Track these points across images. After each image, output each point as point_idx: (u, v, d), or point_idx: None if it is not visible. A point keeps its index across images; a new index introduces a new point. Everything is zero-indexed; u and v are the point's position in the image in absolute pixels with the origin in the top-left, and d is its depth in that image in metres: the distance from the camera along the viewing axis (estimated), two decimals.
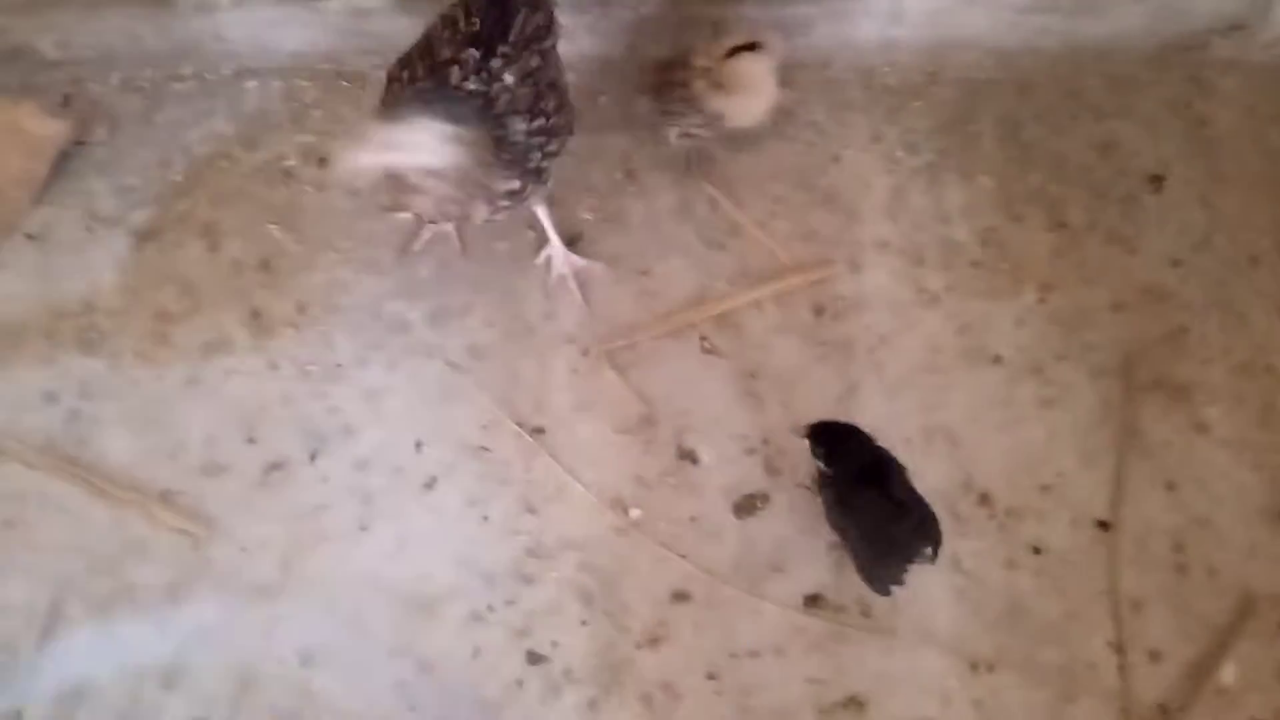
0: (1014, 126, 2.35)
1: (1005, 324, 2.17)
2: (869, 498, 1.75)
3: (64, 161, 2.18)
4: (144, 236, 2.16)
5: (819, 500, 1.89)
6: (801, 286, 2.17)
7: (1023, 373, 2.13)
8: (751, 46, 2.04)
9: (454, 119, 1.60)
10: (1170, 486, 2.06)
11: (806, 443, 1.86)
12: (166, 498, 1.95)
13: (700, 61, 2.04)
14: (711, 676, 1.89)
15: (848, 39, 2.35)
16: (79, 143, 2.14)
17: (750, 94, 2.08)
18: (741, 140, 2.29)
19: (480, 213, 1.79)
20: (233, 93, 2.28)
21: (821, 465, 1.82)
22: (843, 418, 1.97)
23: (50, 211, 2.17)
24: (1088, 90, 2.36)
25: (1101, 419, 2.08)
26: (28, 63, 2.25)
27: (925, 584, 1.94)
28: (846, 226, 2.23)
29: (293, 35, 2.24)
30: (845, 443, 1.83)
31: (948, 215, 2.26)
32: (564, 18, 1.99)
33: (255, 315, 2.10)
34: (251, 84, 2.29)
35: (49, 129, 2.13)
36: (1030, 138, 2.33)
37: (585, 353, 2.11)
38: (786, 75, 2.18)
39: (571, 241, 2.18)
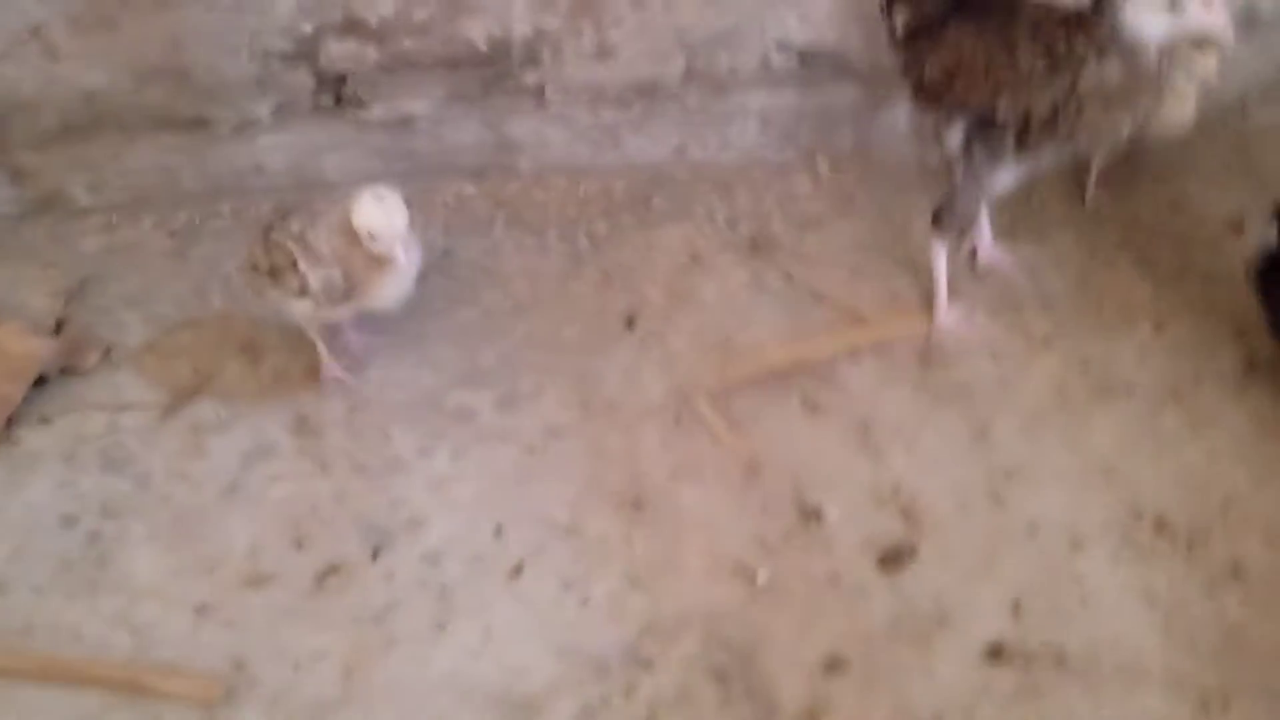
0: (1077, 191, 2.27)
1: (1127, 358, 1.99)
2: None
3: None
4: (174, 355, 1.95)
5: None
6: (902, 333, 1.98)
7: (1162, 400, 1.92)
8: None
9: None
10: None
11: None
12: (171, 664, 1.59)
13: None
14: None
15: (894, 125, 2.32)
16: (65, 370, 1.92)
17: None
18: (806, 223, 2.19)
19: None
20: (271, 220, 2.16)
21: None
22: (978, 459, 1.80)
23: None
24: (1142, 156, 2.29)
25: (1259, 436, 1.85)
26: (59, 211, 2.14)
27: (1122, 621, 1.62)
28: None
29: (333, 161, 2.17)
30: None
31: (1035, 269, 2.12)
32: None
33: (301, 420, 1.86)
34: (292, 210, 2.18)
35: (32, 349, 1.90)
36: (1096, 201, 2.24)
37: (677, 420, 1.88)
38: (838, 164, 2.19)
39: (630, 322, 1.99)
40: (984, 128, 1.82)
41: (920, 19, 1.92)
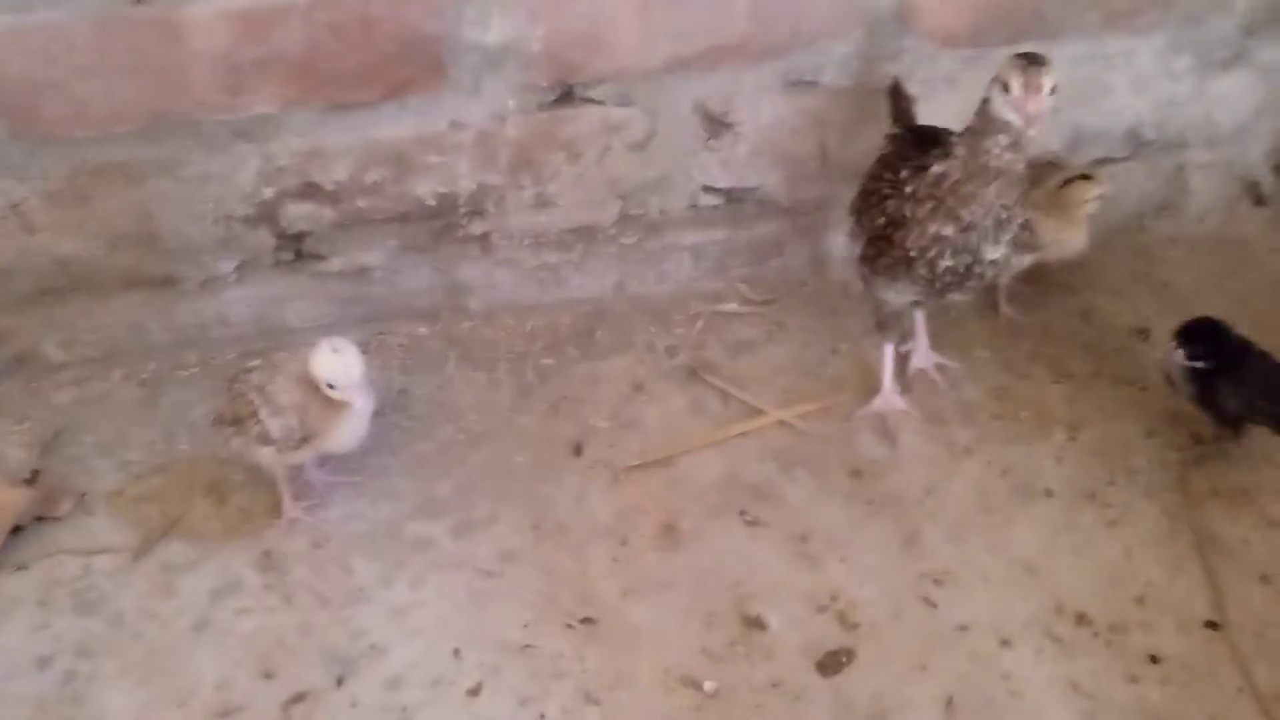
0: (991, 308, 2.44)
1: (1045, 462, 2.13)
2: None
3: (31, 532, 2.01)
4: (144, 499, 2.05)
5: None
6: (816, 412, 2.18)
7: (1079, 500, 2.06)
8: (1085, 177, 2.21)
9: None
10: (1265, 580, 1.93)
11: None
12: None
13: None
14: None
15: (825, 255, 2.52)
16: (41, 517, 2.01)
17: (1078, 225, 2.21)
18: (737, 346, 2.35)
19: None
20: (236, 373, 2.28)
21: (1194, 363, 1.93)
22: (910, 565, 1.94)
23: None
24: (1051, 273, 2.48)
25: (1170, 531, 1.99)
26: (33, 368, 2.25)
27: (1049, 712, 1.73)
28: (859, 403, 2.23)
29: (294, 309, 2.31)
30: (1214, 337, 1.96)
31: (955, 382, 2.28)
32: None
33: (266, 556, 1.96)
34: (255, 363, 2.30)
35: (7, 499, 1.99)
36: (1009, 315, 2.43)
37: (624, 542, 1.99)
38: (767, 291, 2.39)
39: (578, 449, 2.12)
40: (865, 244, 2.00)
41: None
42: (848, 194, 2.18)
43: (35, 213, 2.05)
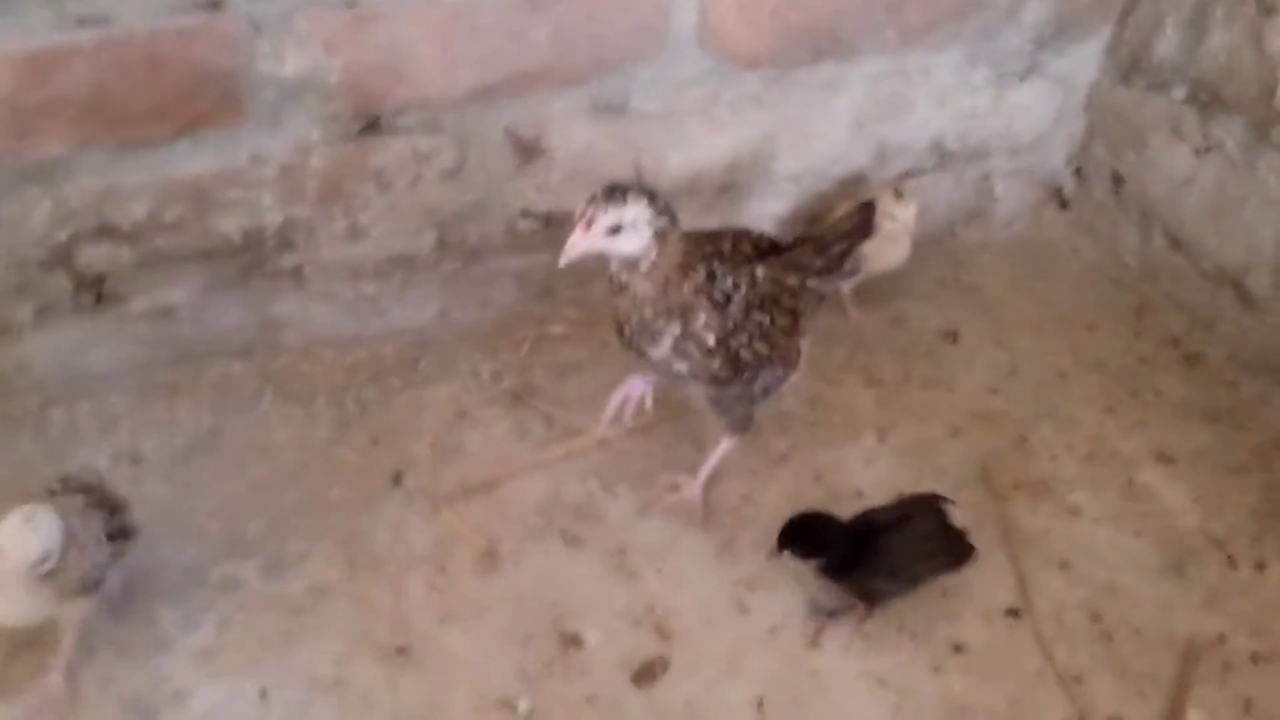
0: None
1: (855, 465, 2.19)
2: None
3: None
4: None
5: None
6: (640, 430, 2.20)
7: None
8: (900, 194, 2.27)
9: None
10: (1064, 566, 2.02)
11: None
12: None
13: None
14: None
15: None
16: None
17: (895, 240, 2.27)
18: (563, 369, 2.37)
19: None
20: (39, 420, 2.21)
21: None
22: (725, 572, 1.98)
23: None
24: (866, 284, 2.55)
25: (976, 523, 2.04)
26: None
27: (856, 706, 1.77)
28: (682, 420, 2.28)
29: (97, 354, 2.25)
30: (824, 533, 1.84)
31: None
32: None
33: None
34: (57, 411, 2.23)
35: None
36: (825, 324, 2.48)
37: (441, 570, 1.98)
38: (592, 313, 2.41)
39: (398, 478, 2.11)
40: None
41: None
42: None
43: None
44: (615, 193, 1.69)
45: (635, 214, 1.70)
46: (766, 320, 1.88)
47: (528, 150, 2.31)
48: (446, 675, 1.81)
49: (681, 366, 1.85)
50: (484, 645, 1.86)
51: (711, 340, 1.83)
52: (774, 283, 1.90)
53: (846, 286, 2.43)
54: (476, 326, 2.48)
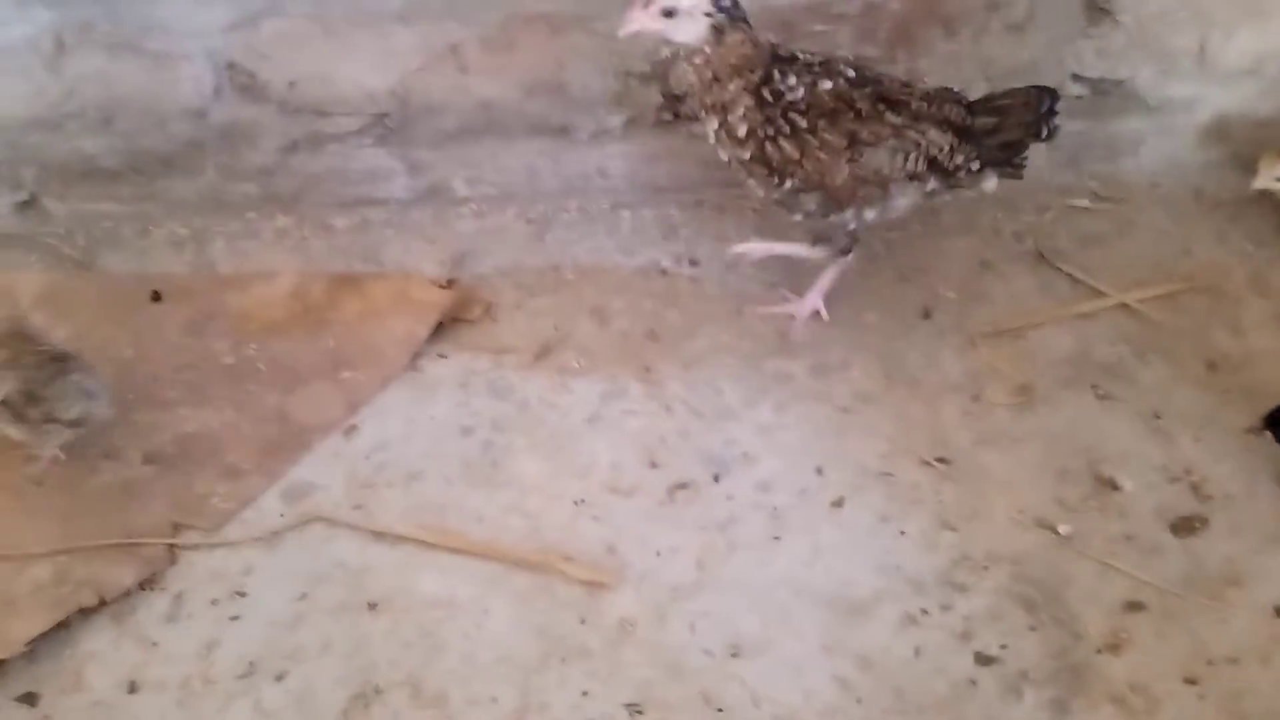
0: None
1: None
2: None
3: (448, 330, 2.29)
4: (539, 315, 2.31)
5: None
6: (1166, 301, 2.22)
7: None
8: None
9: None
10: None
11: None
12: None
13: None
14: (1190, 681, 1.67)
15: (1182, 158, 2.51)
16: (456, 319, 2.29)
17: None
18: (1086, 239, 2.40)
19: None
20: (611, 219, 2.52)
21: None
22: (1266, 449, 1.95)
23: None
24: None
25: None
26: (441, 199, 2.55)
27: None
28: (1212, 300, 2.27)
29: (665, 170, 2.52)
30: None
31: None
32: None
33: (647, 370, 2.18)
34: (625, 213, 2.53)
35: (433, 297, 2.29)
36: None
37: (976, 399, 2.10)
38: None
39: (927, 313, 2.24)
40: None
41: None
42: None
43: (471, 55, 2.32)
44: None
45: (693, 2, 1.74)
46: (804, 125, 1.90)
47: (1097, 10, 2.31)
48: (985, 488, 1.95)
49: (724, 154, 1.96)
50: (1020, 470, 1.97)
51: (743, 130, 1.90)
52: (839, 99, 1.91)
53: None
54: (999, 187, 2.53)
